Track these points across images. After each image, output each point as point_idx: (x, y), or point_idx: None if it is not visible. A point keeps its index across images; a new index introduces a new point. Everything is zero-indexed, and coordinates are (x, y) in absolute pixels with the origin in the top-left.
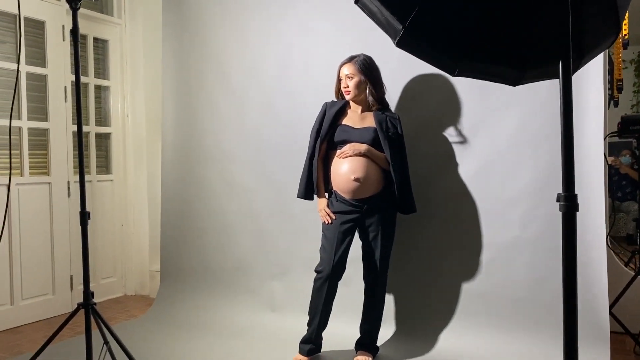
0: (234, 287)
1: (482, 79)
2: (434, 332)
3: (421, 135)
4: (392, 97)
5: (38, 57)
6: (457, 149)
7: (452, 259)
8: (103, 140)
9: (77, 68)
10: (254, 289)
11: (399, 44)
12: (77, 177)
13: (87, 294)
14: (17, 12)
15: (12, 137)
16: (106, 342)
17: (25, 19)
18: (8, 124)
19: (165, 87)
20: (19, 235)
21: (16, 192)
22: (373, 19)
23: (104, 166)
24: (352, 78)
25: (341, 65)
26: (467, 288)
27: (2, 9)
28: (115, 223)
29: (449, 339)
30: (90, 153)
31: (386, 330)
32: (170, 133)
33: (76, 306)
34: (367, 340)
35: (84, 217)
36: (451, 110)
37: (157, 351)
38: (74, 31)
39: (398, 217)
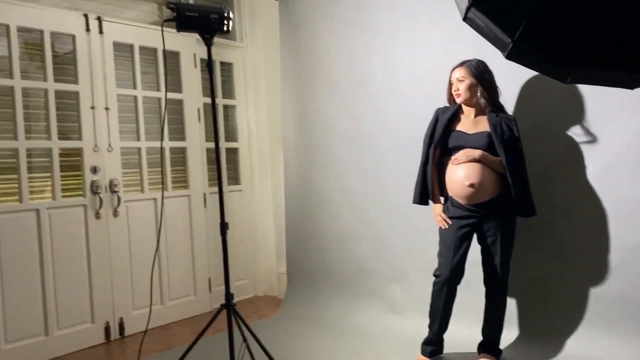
0: (355, 289)
1: (596, 85)
2: (560, 335)
3: (541, 135)
4: (508, 98)
5: (175, 83)
6: (580, 148)
7: (577, 261)
8: (232, 154)
9: (213, 97)
10: (375, 291)
11: (509, 57)
12: (212, 190)
13: (228, 296)
14: (158, 46)
15: (155, 156)
16: (244, 340)
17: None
18: (157, 146)
19: (285, 104)
20: (165, 243)
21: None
22: (481, 34)
23: (234, 177)
24: (463, 81)
25: (453, 70)
26: (596, 291)
27: (144, 44)
28: (245, 229)
29: (577, 343)
30: (222, 166)
31: (509, 333)
32: (291, 145)
33: (216, 306)
34: (489, 343)
35: (224, 227)
36: (572, 108)
37: (288, 348)
38: (209, 65)
39: (518, 219)
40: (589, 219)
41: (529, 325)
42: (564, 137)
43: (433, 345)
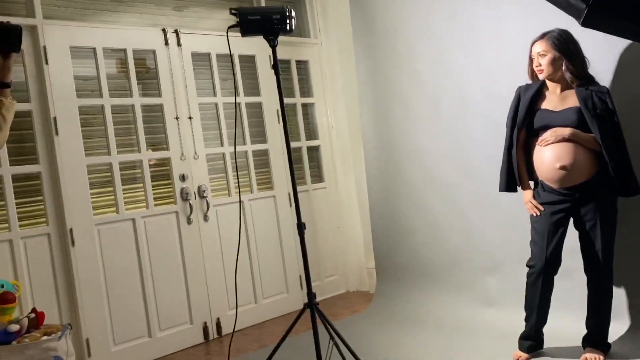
0: (447, 282)
1: None
2: None
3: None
4: (600, 68)
5: (253, 87)
6: None
7: None
8: (314, 152)
9: (281, 99)
10: (467, 284)
11: (585, 24)
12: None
13: (310, 295)
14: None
15: (240, 160)
16: (332, 338)
17: (240, 56)
18: (241, 150)
19: (362, 96)
20: (255, 243)
21: (249, 206)
22: (552, 2)
23: (317, 175)
24: (545, 55)
25: (532, 43)
26: None
27: (221, 52)
28: (332, 226)
29: None
30: (304, 165)
31: (619, 325)
32: (371, 139)
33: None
34: (595, 336)
35: (301, 227)
36: None
37: (381, 344)
38: (275, 66)
39: (620, 200)
40: None
41: None
42: None
43: (531, 339)
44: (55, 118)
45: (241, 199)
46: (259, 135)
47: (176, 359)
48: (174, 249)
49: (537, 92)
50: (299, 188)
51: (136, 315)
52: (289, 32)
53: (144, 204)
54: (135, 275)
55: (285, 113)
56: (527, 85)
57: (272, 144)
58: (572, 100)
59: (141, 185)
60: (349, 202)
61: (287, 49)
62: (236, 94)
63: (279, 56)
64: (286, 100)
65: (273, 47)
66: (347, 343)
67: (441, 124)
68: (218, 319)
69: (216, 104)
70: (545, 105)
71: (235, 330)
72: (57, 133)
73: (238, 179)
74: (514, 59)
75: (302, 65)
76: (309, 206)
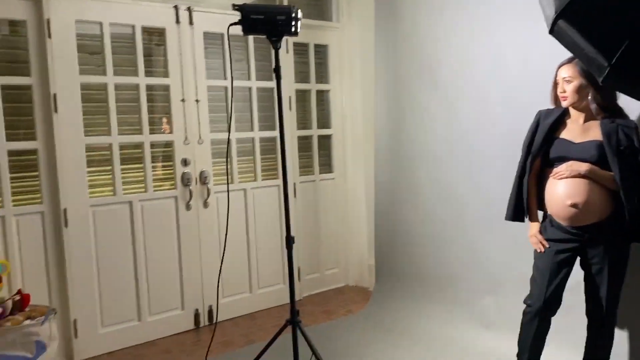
0: (445, 297)
1: None
2: None
3: None
4: (631, 100)
5: (266, 69)
6: None
7: None
8: (325, 141)
9: (280, 108)
10: (466, 302)
11: (606, 82)
12: (302, 179)
13: (293, 312)
14: None
15: (247, 145)
16: (313, 351)
17: (255, 38)
18: (245, 136)
19: (378, 89)
20: (255, 232)
21: (251, 194)
22: (571, 51)
23: (327, 164)
24: (571, 82)
25: (559, 67)
26: None
27: (235, 32)
28: (337, 218)
29: None
30: (314, 154)
31: None
32: (383, 137)
33: (305, 295)
34: None
35: (289, 241)
36: None
37: (367, 354)
38: (277, 69)
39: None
40: None
41: None
42: None
43: None
44: (55, 95)
45: (244, 187)
46: (269, 120)
47: (164, 344)
48: (170, 235)
49: (558, 119)
50: (304, 179)
51: (126, 299)
52: (294, 35)
53: (143, 187)
54: (128, 259)
55: (283, 122)
56: (548, 111)
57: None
58: (594, 132)
59: (141, 166)
60: (357, 196)
61: (307, 32)
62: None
63: (296, 40)
64: (301, 85)
65: (276, 49)
66: None
67: (456, 132)
68: (210, 306)
69: (226, 88)
70: (565, 134)
71: (226, 319)
72: (56, 110)
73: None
74: (540, 77)
75: (321, 49)
76: (315, 196)
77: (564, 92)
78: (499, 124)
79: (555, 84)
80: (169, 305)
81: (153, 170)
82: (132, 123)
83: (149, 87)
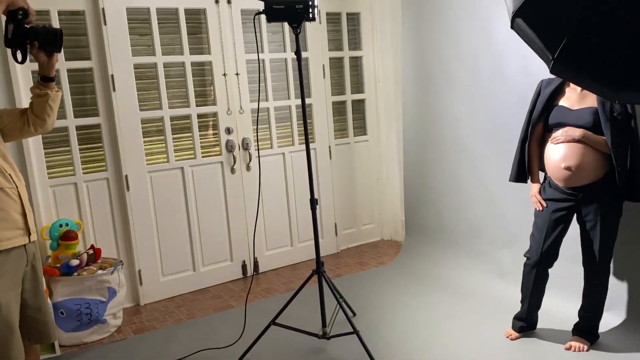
0: (466, 248)
1: None
2: None
3: None
4: None
5: (301, 40)
6: None
7: None
8: (359, 105)
9: (302, 95)
10: (484, 253)
11: (553, 72)
12: (337, 142)
13: (319, 263)
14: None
15: (284, 112)
16: (338, 302)
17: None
18: (282, 104)
19: (405, 54)
20: (294, 192)
21: (289, 158)
22: (528, 44)
23: (362, 127)
24: None
25: None
26: None
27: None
28: (372, 177)
29: None
30: (348, 118)
31: (615, 317)
32: (410, 97)
33: (342, 248)
34: (584, 327)
35: (313, 203)
36: None
37: (394, 301)
38: (297, 53)
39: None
40: None
41: (639, 313)
42: None
43: (523, 321)
44: (112, 75)
45: (283, 151)
46: (305, 88)
47: (215, 291)
48: (218, 196)
49: (558, 88)
50: (340, 141)
51: (182, 252)
52: (312, 20)
53: (192, 154)
54: (182, 217)
55: (305, 112)
56: (549, 80)
57: (315, 98)
58: (590, 100)
59: (190, 135)
60: (390, 156)
61: (339, 1)
62: (259, 51)
63: (329, 10)
64: (335, 54)
65: (296, 34)
66: (346, 313)
67: (478, 94)
68: (256, 258)
69: (263, 60)
70: (563, 102)
71: (270, 269)
72: (114, 89)
73: (257, 135)
74: None
75: (354, 17)
76: (350, 158)
77: None
78: (515, 88)
79: None
80: (219, 257)
81: (201, 139)
82: (180, 97)
83: (194, 64)
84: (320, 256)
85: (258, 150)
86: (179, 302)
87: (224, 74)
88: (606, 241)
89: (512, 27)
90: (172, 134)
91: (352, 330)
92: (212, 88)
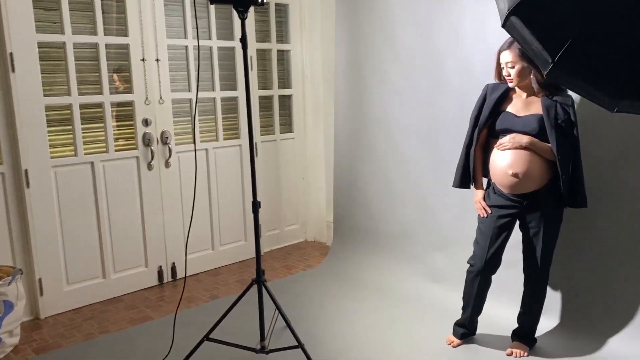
0: (398, 252)
1: None
2: (604, 333)
3: (606, 119)
4: None
5: (226, 27)
6: None
7: (637, 260)
8: (285, 101)
9: (247, 85)
10: (417, 257)
11: (550, 76)
12: (264, 138)
13: (259, 272)
14: None
15: (208, 104)
16: (276, 312)
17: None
18: (207, 96)
19: (338, 51)
20: (216, 191)
21: (213, 154)
22: (521, 44)
23: (288, 124)
24: (514, 66)
25: (499, 52)
26: None
27: None
28: (297, 176)
29: (620, 344)
30: (274, 114)
31: (549, 321)
32: (342, 99)
33: (266, 250)
34: (524, 332)
35: (256, 206)
36: None
37: (325, 306)
38: (243, 40)
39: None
40: None
41: (572, 317)
42: (637, 122)
43: (465, 328)
44: (11, 54)
45: (206, 147)
46: (230, 79)
47: (129, 300)
48: (132, 194)
49: (504, 93)
50: (266, 138)
51: (91, 257)
52: (261, 5)
53: (104, 147)
54: (91, 219)
55: (250, 104)
56: (495, 85)
57: (242, 91)
58: (536, 107)
59: (101, 126)
60: (316, 154)
61: None
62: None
63: None
64: (262, 45)
65: (242, 19)
66: (289, 323)
67: (413, 97)
68: (173, 263)
69: (186, 47)
70: (510, 108)
71: (190, 275)
72: (13, 69)
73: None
74: (494, 50)
75: (282, 8)
76: (275, 155)
77: (509, 75)
78: (454, 91)
79: (498, 64)
80: (133, 263)
81: (114, 131)
82: (92, 82)
83: (109, 46)
84: (260, 264)
85: (195, 143)
86: (87, 313)
87: (143, 59)
88: (548, 247)
89: (503, 26)
90: (82, 124)
91: (296, 344)
92: (119, 72)
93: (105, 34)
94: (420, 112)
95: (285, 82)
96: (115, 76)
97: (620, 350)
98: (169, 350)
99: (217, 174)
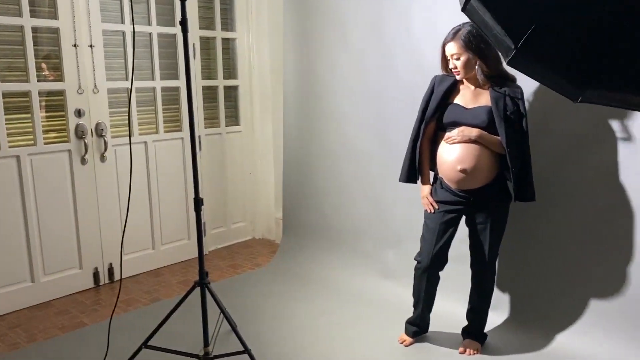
0: (349, 248)
1: (611, 106)
2: (553, 327)
3: (558, 111)
4: None
5: (167, 13)
6: (601, 130)
7: (585, 254)
8: (231, 92)
9: (188, 73)
10: (368, 254)
11: (511, 64)
12: (207, 131)
13: (202, 274)
14: None
15: (147, 94)
16: (220, 315)
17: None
18: (146, 85)
19: (286, 41)
20: (157, 187)
21: (153, 147)
22: (482, 30)
23: (234, 116)
24: (459, 58)
25: (444, 44)
26: (597, 289)
27: None
28: (244, 171)
29: (569, 339)
30: (220, 105)
31: (498, 316)
32: (291, 87)
33: (211, 249)
34: (474, 329)
35: (198, 203)
36: None
37: (278, 308)
38: (183, 22)
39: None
40: (603, 211)
41: (520, 312)
42: (587, 114)
43: (416, 326)
44: None
45: (145, 140)
46: (171, 68)
47: (62, 305)
48: (64, 191)
49: (452, 85)
50: (210, 131)
51: (17, 259)
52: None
53: (32, 139)
54: (18, 217)
55: (191, 96)
56: (443, 77)
57: (184, 81)
58: (485, 98)
59: (28, 116)
60: (264, 149)
61: None
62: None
63: None
64: (206, 33)
65: (182, 1)
66: (234, 326)
67: (365, 90)
68: (111, 264)
69: (123, 33)
70: (458, 100)
71: (129, 276)
72: None
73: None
74: (445, 34)
75: None
76: (221, 150)
77: (456, 67)
78: (405, 83)
79: (444, 56)
80: (66, 265)
81: (43, 121)
82: (17, 69)
83: (36, 30)
84: (203, 265)
85: (130, 135)
86: (13, 321)
87: (75, 45)
88: (495, 242)
89: (463, 10)
90: (5, 114)
91: (242, 349)
92: (48, 60)
93: (31, 16)
94: (372, 105)
95: (231, 72)
96: (43, 65)
97: (570, 345)
98: (104, 359)
99: (158, 169)
